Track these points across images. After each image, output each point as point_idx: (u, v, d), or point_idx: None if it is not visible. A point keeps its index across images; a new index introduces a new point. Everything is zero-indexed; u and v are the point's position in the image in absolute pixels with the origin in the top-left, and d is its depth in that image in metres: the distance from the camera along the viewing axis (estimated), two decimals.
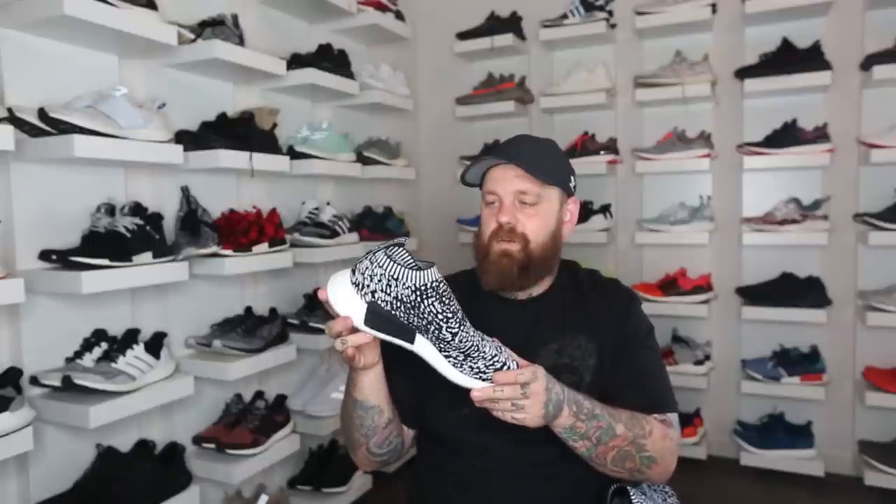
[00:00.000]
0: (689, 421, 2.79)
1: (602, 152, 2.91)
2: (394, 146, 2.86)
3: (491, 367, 0.94)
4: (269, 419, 2.09)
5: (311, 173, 2.34)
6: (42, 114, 1.45)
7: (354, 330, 0.95)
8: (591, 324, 1.18)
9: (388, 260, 0.92)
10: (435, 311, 0.92)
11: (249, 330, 2.04)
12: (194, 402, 1.97)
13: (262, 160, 2.03)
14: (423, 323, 0.92)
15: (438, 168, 3.36)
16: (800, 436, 2.67)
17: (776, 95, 2.73)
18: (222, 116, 2.03)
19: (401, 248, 0.95)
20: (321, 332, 2.23)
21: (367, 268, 0.93)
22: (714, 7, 2.71)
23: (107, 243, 1.57)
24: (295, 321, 2.30)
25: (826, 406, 2.71)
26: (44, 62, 1.60)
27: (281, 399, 2.20)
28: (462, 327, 0.94)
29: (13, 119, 1.44)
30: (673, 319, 2.90)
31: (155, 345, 1.74)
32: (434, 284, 0.91)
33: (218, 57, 1.85)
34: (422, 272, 0.91)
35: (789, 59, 2.61)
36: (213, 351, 1.97)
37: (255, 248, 2.00)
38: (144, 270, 1.63)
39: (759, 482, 2.65)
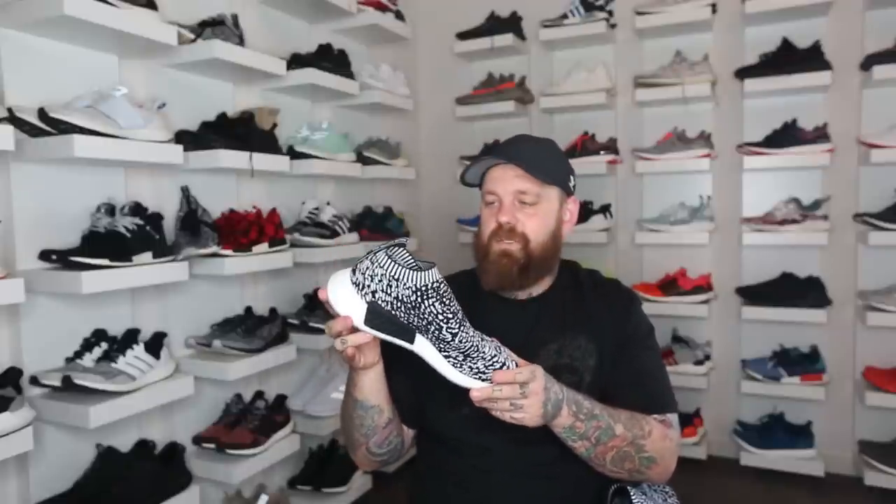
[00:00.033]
0: (689, 421, 2.79)
1: (602, 152, 2.91)
2: (394, 146, 2.86)
3: (490, 368, 0.94)
4: (269, 419, 2.09)
5: (311, 173, 2.34)
6: (42, 114, 1.45)
7: (354, 330, 0.95)
8: (591, 324, 1.18)
9: (389, 260, 0.92)
10: (435, 312, 0.92)
11: (249, 330, 2.04)
12: (194, 402, 1.97)
13: (262, 160, 2.03)
14: (424, 323, 0.92)
15: (438, 168, 3.36)
16: (800, 436, 2.67)
17: (776, 95, 2.73)
18: (222, 116, 2.03)
19: (402, 249, 0.95)
20: (321, 332, 2.23)
21: (367, 268, 0.93)
22: (714, 7, 2.71)
23: (107, 243, 1.57)
24: (295, 321, 2.30)
25: (826, 406, 2.71)
26: (44, 62, 1.60)
27: (281, 399, 2.20)
28: (462, 328, 0.94)
29: (13, 119, 1.44)
30: (673, 319, 2.90)
31: (155, 345, 1.74)
32: (435, 285, 0.91)
33: (218, 57, 1.85)
34: (423, 273, 0.91)
35: (789, 59, 2.61)
36: (213, 351, 1.97)
37: (255, 248, 2.00)
38: (144, 270, 1.63)
39: (759, 482, 2.65)
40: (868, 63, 2.50)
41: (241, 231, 1.98)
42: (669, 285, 2.84)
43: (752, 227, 2.74)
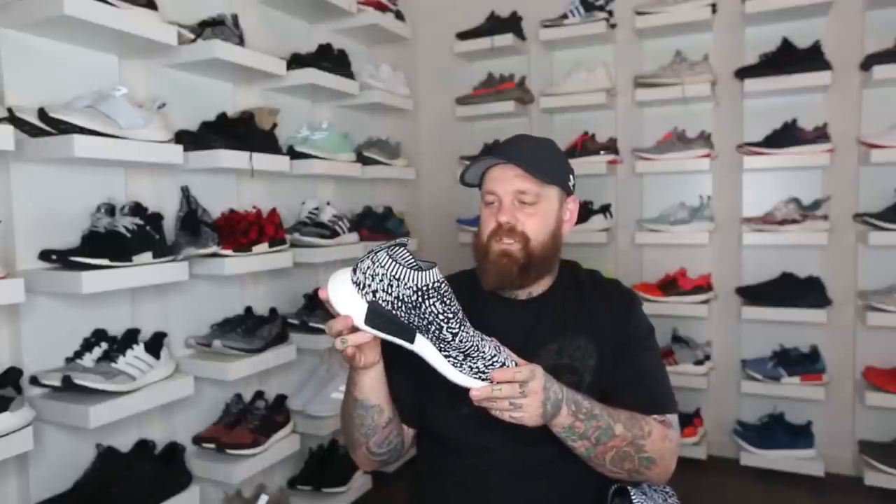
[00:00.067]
0: (689, 421, 2.79)
1: (602, 152, 2.91)
2: (394, 146, 2.86)
3: (490, 367, 0.95)
4: (269, 419, 2.09)
5: (311, 173, 2.34)
6: (42, 114, 1.45)
7: (355, 329, 0.95)
8: (591, 324, 1.18)
9: (390, 260, 0.92)
10: (436, 312, 0.92)
11: (249, 330, 2.04)
12: (194, 402, 1.97)
13: (262, 160, 2.03)
14: (424, 323, 0.92)
15: (438, 168, 3.36)
16: (800, 436, 2.67)
17: (776, 95, 2.73)
18: (222, 116, 2.03)
19: (403, 249, 0.95)
20: (321, 332, 2.23)
21: (368, 267, 0.93)
22: (714, 7, 2.71)
23: (107, 243, 1.57)
24: (295, 321, 2.30)
25: (826, 406, 2.71)
26: (44, 62, 1.60)
27: (281, 399, 2.20)
28: (462, 327, 0.94)
29: (13, 119, 1.44)
30: (673, 319, 2.90)
31: (155, 345, 1.74)
32: (436, 285, 0.92)
33: (218, 57, 1.85)
34: (424, 273, 0.91)
35: (789, 59, 2.61)
36: (213, 351, 1.97)
37: (255, 248, 2.00)
38: (144, 270, 1.63)
39: (759, 482, 2.65)
40: (868, 63, 2.50)
41: (241, 231, 1.98)
42: (669, 285, 2.84)
43: (752, 227, 2.74)
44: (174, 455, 1.83)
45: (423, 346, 0.94)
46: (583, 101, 2.93)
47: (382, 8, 2.69)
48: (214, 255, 1.89)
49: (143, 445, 1.78)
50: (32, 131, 1.49)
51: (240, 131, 2.00)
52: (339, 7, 2.45)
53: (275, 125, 2.18)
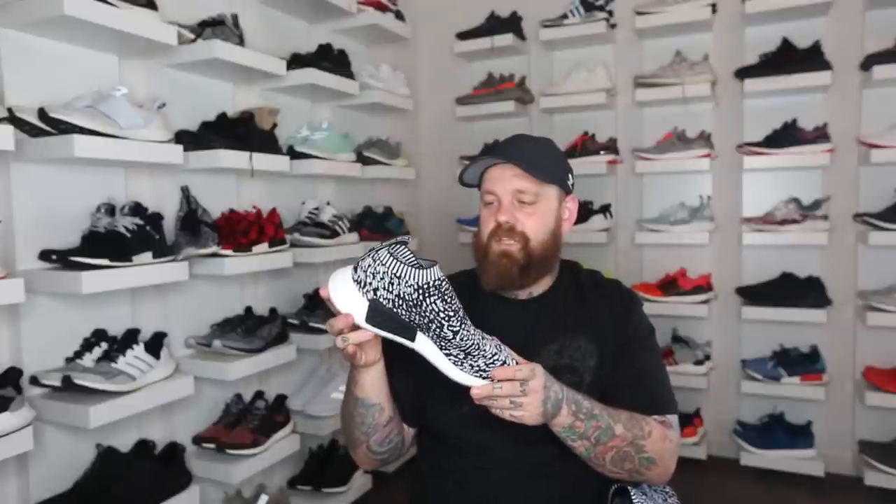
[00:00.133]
0: (689, 421, 2.79)
1: (602, 152, 2.91)
2: (394, 146, 2.86)
3: (491, 366, 0.95)
4: (269, 419, 2.09)
5: (311, 173, 2.34)
6: (42, 114, 1.45)
7: (356, 327, 0.95)
8: (591, 324, 1.18)
9: (392, 258, 0.92)
10: (437, 310, 0.92)
11: (249, 330, 2.04)
12: (194, 402, 1.97)
13: (262, 160, 2.03)
14: (425, 321, 0.92)
15: (438, 168, 3.36)
16: (800, 436, 2.67)
17: (776, 95, 2.73)
18: (222, 116, 2.03)
19: (404, 247, 0.95)
20: (321, 332, 2.23)
21: (369, 265, 0.93)
22: (714, 7, 2.71)
23: (107, 243, 1.57)
24: (295, 321, 2.30)
25: (826, 406, 2.71)
26: (44, 62, 1.60)
27: (281, 399, 2.20)
28: (463, 326, 0.94)
29: (13, 119, 1.44)
30: (673, 319, 2.90)
31: (155, 345, 1.74)
32: (437, 283, 0.92)
33: (218, 57, 1.85)
34: (425, 271, 0.91)
35: (789, 59, 2.61)
36: (213, 351, 1.97)
37: (255, 248, 2.00)
38: (144, 270, 1.63)
39: (759, 482, 2.65)
40: (868, 63, 2.50)
41: (241, 231, 1.98)
42: (669, 285, 2.84)
43: (752, 227, 2.74)
44: (174, 455, 1.83)
45: (423, 345, 0.94)
46: (583, 101, 2.93)
47: (382, 8, 2.69)
48: (214, 255, 1.89)
49: (143, 445, 1.78)
50: (32, 131, 1.49)
51: (240, 131, 2.00)
52: (339, 7, 2.45)
53: (275, 125, 2.18)
